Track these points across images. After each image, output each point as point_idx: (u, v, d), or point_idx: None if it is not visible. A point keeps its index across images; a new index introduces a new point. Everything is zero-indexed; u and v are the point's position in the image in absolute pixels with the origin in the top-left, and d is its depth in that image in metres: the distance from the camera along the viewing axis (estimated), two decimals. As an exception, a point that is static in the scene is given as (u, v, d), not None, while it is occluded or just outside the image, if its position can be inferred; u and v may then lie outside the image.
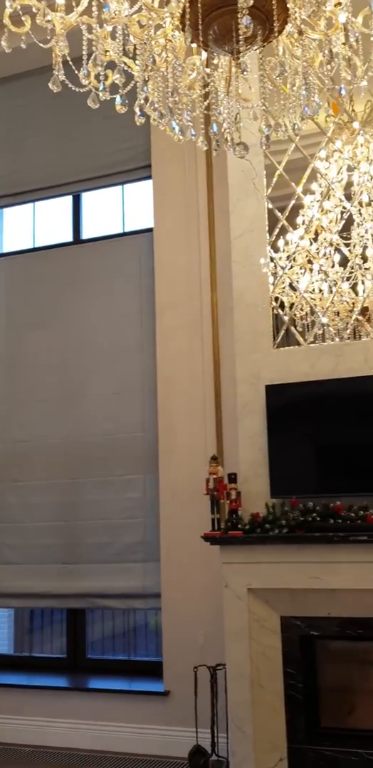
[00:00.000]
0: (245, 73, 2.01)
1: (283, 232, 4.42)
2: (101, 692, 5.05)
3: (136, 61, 2.13)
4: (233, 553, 4.04)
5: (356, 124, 4.33)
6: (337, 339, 4.21)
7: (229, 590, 4.04)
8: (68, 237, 5.83)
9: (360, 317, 4.19)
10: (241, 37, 1.86)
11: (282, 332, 4.34)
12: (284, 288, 4.39)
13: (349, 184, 4.32)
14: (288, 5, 1.98)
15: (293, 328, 4.33)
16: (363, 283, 4.21)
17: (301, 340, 4.29)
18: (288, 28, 2.11)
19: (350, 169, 4.32)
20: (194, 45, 2.15)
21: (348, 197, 4.28)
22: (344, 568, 3.80)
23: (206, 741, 4.31)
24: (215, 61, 2.28)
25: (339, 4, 2.07)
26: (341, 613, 3.87)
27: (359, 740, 3.83)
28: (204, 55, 2.27)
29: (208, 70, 2.29)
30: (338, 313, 4.28)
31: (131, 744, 4.74)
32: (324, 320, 4.25)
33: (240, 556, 4.01)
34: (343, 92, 2.22)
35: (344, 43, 2.15)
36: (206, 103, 2.34)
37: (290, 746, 3.89)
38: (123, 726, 4.83)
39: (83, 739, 4.88)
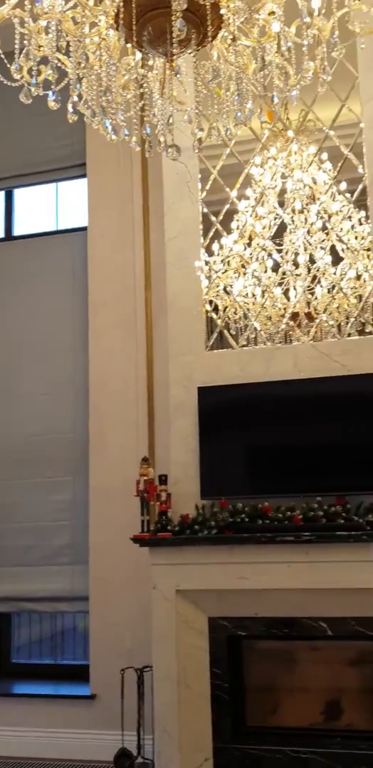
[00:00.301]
0: (178, 76, 2.02)
1: (217, 236, 4.46)
2: (26, 697, 4.97)
3: (70, 58, 2.10)
4: (161, 554, 4.04)
5: (290, 132, 4.41)
6: (268, 343, 4.28)
7: (157, 592, 4.04)
8: None
9: (291, 322, 4.26)
10: (175, 39, 1.86)
11: (215, 335, 4.37)
12: (217, 291, 4.42)
13: (282, 191, 4.39)
14: (222, 11, 1.99)
15: (226, 332, 4.37)
16: (295, 288, 4.28)
17: (233, 343, 4.33)
18: (222, 33, 2.12)
19: (283, 176, 4.40)
20: (129, 45, 2.14)
21: (281, 204, 4.36)
22: (271, 568, 3.85)
23: (132, 744, 4.30)
24: (150, 63, 2.27)
25: (273, 13, 2.10)
26: (268, 613, 3.92)
27: (282, 738, 3.90)
28: (139, 55, 2.26)
29: (142, 71, 2.28)
30: (270, 318, 4.35)
31: (57, 749, 4.67)
32: (256, 324, 4.30)
33: (169, 558, 4.01)
34: (275, 100, 2.25)
35: (276, 52, 2.17)
36: (140, 104, 2.33)
37: (215, 746, 3.92)
38: (48, 731, 4.75)
39: (7, 746, 4.77)
